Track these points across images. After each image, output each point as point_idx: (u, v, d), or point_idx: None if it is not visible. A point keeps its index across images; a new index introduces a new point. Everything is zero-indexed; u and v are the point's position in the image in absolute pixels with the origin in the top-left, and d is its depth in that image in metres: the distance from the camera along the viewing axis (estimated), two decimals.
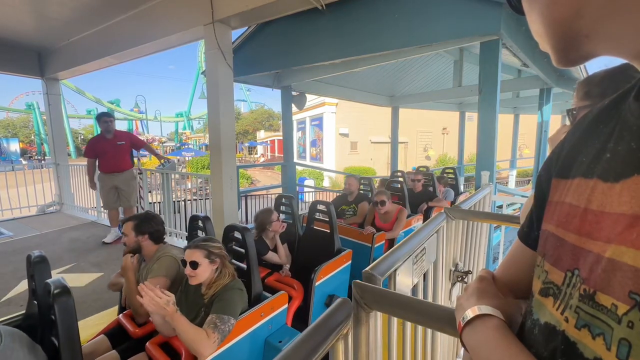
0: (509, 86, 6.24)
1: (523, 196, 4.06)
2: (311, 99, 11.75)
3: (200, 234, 2.26)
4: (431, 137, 19.19)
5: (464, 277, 1.76)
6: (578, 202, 0.36)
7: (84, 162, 4.45)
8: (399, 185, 3.99)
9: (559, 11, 0.31)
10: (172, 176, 4.74)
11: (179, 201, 4.86)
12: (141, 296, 1.41)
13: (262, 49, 4.42)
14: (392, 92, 7.68)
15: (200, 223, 2.27)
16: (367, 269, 0.90)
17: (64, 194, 6.09)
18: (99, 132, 4.31)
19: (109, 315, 2.51)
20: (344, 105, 16.27)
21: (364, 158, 17.68)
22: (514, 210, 6.08)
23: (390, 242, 3.37)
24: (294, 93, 5.85)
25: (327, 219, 2.75)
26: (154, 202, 5.25)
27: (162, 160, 4.67)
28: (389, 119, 8.27)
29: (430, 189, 4.49)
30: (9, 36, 4.90)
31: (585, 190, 0.35)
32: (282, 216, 2.85)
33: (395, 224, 3.38)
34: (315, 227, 2.85)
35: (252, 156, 33.99)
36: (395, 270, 1.00)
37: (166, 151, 30.63)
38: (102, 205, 4.68)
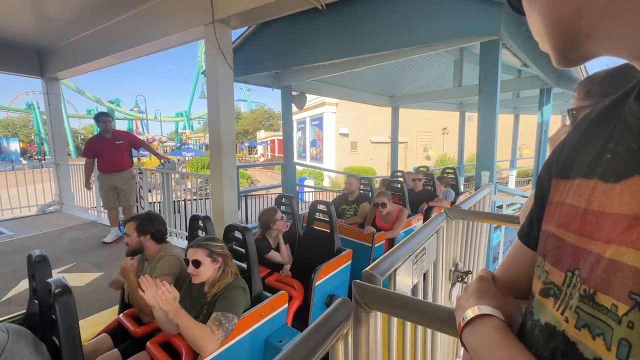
0: (509, 86, 6.24)
1: (523, 196, 4.06)
2: (311, 98, 11.75)
3: (201, 233, 2.26)
4: (431, 137, 19.19)
5: (464, 277, 1.76)
6: (578, 202, 0.36)
7: (83, 161, 4.45)
8: (399, 185, 3.99)
9: (559, 11, 0.31)
10: (172, 176, 4.74)
11: (179, 201, 4.86)
12: (143, 291, 1.42)
13: (262, 48, 4.42)
14: (392, 92, 7.68)
15: (200, 223, 2.27)
16: (367, 269, 0.90)
17: (64, 193, 6.09)
18: (98, 132, 4.32)
19: (109, 315, 2.51)
20: (344, 105, 16.26)
21: (364, 158, 17.68)
22: (514, 210, 6.07)
23: (391, 242, 3.37)
24: (294, 93, 5.85)
25: (327, 219, 2.75)
26: (154, 202, 5.25)
27: (162, 160, 4.67)
28: (389, 119, 8.27)
29: (431, 189, 4.49)
30: (9, 36, 4.90)
31: (585, 190, 0.35)
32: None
33: (395, 224, 3.38)
34: (315, 227, 2.85)
35: (252, 156, 33.99)
36: (395, 270, 1.00)
37: (166, 151, 30.62)
38: (102, 205, 4.68)
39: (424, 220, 3.79)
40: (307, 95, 6.07)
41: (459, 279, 1.77)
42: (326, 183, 16.78)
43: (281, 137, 6.99)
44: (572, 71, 5.47)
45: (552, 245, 0.38)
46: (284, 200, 3.04)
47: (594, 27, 0.30)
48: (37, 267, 1.41)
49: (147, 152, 5.29)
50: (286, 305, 2.00)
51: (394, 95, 7.76)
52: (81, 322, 2.30)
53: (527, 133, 15.74)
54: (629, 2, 0.27)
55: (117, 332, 1.83)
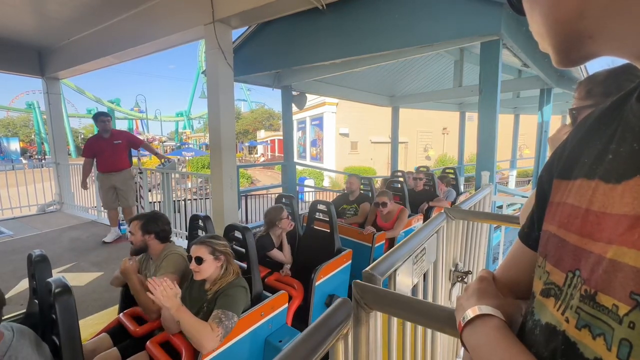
0: (510, 86, 6.23)
1: (523, 196, 4.06)
2: (311, 98, 11.73)
3: (201, 233, 2.26)
4: (431, 137, 19.18)
5: (464, 277, 1.76)
6: (580, 203, 0.36)
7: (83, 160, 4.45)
8: (399, 185, 3.99)
9: (561, 12, 0.31)
10: (172, 175, 4.74)
11: (179, 201, 4.86)
12: (151, 292, 1.44)
13: (262, 48, 4.41)
14: (392, 92, 7.67)
15: (200, 223, 2.27)
16: (367, 269, 0.90)
17: (64, 193, 6.09)
18: (97, 131, 4.32)
19: (109, 315, 2.51)
20: (344, 105, 16.26)
21: (364, 158, 17.67)
22: (514, 210, 6.07)
23: (391, 242, 3.37)
24: (294, 93, 5.85)
25: (328, 219, 2.75)
26: (154, 202, 5.25)
27: (163, 160, 4.67)
28: (389, 119, 8.26)
29: (431, 188, 4.49)
30: (10, 35, 4.90)
31: (587, 191, 0.35)
32: None
33: (396, 223, 3.39)
34: (315, 227, 2.86)
35: (252, 156, 33.99)
36: (395, 271, 1.00)
37: (166, 150, 30.63)
38: (102, 205, 4.68)
39: (424, 220, 3.79)
40: (307, 95, 6.07)
41: (459, 279, 1.77)
42: (326, 183, 16.78)
43: (281, 137, 6.99)
44: (573, 71, 5.47)
45: (553, 245, 0.38)
46: (284, 200, 3.04)
47: (597, 28, 0.30)
48: (37, 267, 1.41)
49: (147, 152, 5.28)
50: (286, 305, 2.00)
51: (394, 95, 7.76)
52: (81, 322, 2.30)
53: (527, 133, 15.73)
54: (631, 2, 0.27)
55: (117, 332, 1.83)
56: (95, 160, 4.28)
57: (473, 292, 0.50)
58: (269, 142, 32.47)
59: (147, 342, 1.63)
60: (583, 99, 0.76)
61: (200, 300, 1.71)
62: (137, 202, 4.88)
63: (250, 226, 2.25)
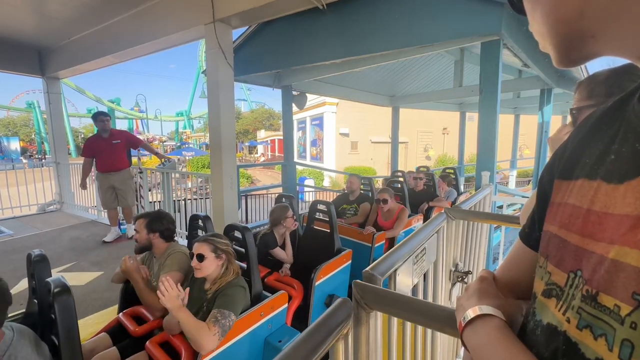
0: (510, 86, 6.23)
1: (523, 197, 4.06)
2: (312, 98, 11.74)
3: (201, 233, 2.26)
4: (431, 137, 19.18)
5: (464, 277, 1.76)
6: (581, 203, 0.36)
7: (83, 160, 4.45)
8: (399, 185, 3.99)
9: (563, 11, 0.31)
10: (173, 175, 4.74)
11: (179, 200, 4.86)
12: (162, 293, 1.46)
13: (262, 48, 4.41)
14: (392, 92, 7.67)
15: (200, 222, 2.28)
16: (367, 269, 0.90)
17: (64, 192, 6.10)
18: (97, 131, 4.32)
19: (109, 314, 2.51)
20: (344, 105, 16.26)
21: (364, 158, 17.68)
22: (514, 210, 6.07)
23: (391, 242, 3.37)
24: (294, 93, 5.85)
25: (328, 219, 2.76)
26: (154, 201, 5.25)
27: (163, 160, 4.67)
28: (389, 119, 8.26)
29: (431, 188, 4.49)
30: (10, 35, 4.90)
31: (588, 191, 0.35)
32: None
33: (396, 223, 3.39)
34: (315, 227, 2.86)
35: (252, 156, 33.99)
36: (395, 271, 1.00)
37: (166, 150, 30.62)
38: (101, 204, 4.68)
39: (424, 221, 3.80)
40: (307, 95, 6.07)
41: (459, 279, 1.76)
42: (326, 183, 16.78)
43: (281, 137, 6.98)
44: (573, 71, 5.47)
45: (554, 246, 0.38)
46: (284, 200, 3.03)
47: (598, 27, 0.30)
48: (37, 267, 1.41)
49: (147, 152, 5.28)
50: (286, 305, 2.00)
51: (395, 95, 7.76)
52: (81, 321, 2.30)
53: (528, 133, 15.73)
54: (633, 2, 0.27)
55: (116, 332, 1.83)
56: (94, 160, 4.28)
57: (473, 292, 0.50)
58: (269, 142, 32.47)
59: (147, 342, 1.62)
60: (584, 99, 0.76)
61: (200, 300, 1.72)
62: (137, 201, 4.88)
63: (250, 226, 2.25)
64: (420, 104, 8.35)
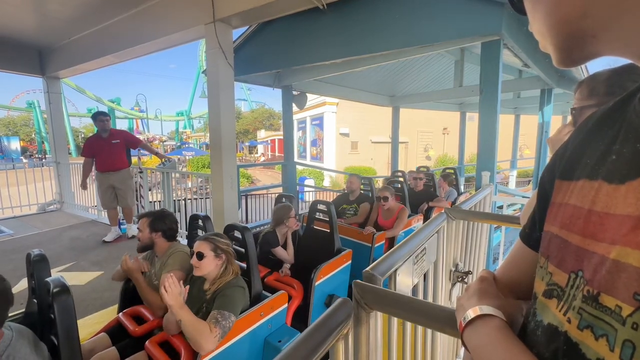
0: (510, 86, 6.23)
1: (523, 197, 4.05)
2: (312, 98, 11.74)
3: (201, 233, 2.26)
4: (432, 137, 19.18)
5: (464, 277, 1.76)
6: (582, 203, 0.36)
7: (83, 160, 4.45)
8: (400, 185, 3.99)
9: (565, 10, 0.31)
10: (173, 175, 4.74)
11: (179, 200, 4.86)
12: (165, 289, 1.46)
13: (263, 48, 4.41)
14: (392, 92, 7.67)
15: (200, 222, 2.28)
16: (367, 269, 0.90)
17: (65, 192, 6.10)
18: (97, 131, 4.32)
19: (109, 314, 2.51)
20: (344, 105, 16.26)
21: (365, 158, 17.68)
22: (514, 210, 6.07)
23: (390, 242, 3.37)
24: (294, 92, 5.85)
25: (327, 219, 2.76)
26: (154, 201, 5.25)
27: (163, 159, 4.67)
28: (389, 119, 8.26)
29: (431, 188, 4.49)
30: (10, 35, 4.91)
31: (589, 191, 0.35)
32: None
33: (396, 223, 3.40)
34: (315, 227, 2.86)
35: (252, 155, 33.99)
36: (395, 271, 1.00)
37: (167, 150, 30.61)
38: (101, 204, 4.68)
39: (424, 221, 3.80)
40: (307, 94, 6.07)
41: (459, 279, 1.76)
42: (326, 183, 16.78)
43: (281, 137, 6.99)
44: (573, 71, 5.47)
45: (555, 246, 0.38)
46: (284, 199, 3.04)
47: (600, 27, 0.30)
48: (36, 266, 1.41)
49: (147, 152, 5.28)
50: (286, 305, 2.00)
51: (395, 95, 7.76)
52: (81, 321, 2.30)
53: (528, 133, 15.72)
54: (636, 2, 0.27)
55: (116, 331, 1.83)
56: (94, 159, 4.28)
57: (474, 292, 0.50)
58: (269, 141, 32.47)
59: (146, 342, 1.62)
60: (585, 99, 0.76)
61: (200, 300, 1.72)
62: (137, 201, 4.88)
63: (250, 226, 2.25)
64: (420, 104, 8.35)
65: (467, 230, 1.94)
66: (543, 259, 0.40)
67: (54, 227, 4.91)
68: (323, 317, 0.69)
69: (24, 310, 1.50)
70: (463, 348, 0.48)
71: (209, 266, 1.69)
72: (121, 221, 4.58)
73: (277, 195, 3.40)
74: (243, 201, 6.95)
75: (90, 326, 2.31)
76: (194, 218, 2.32)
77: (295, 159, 6.64)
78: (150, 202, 5.09)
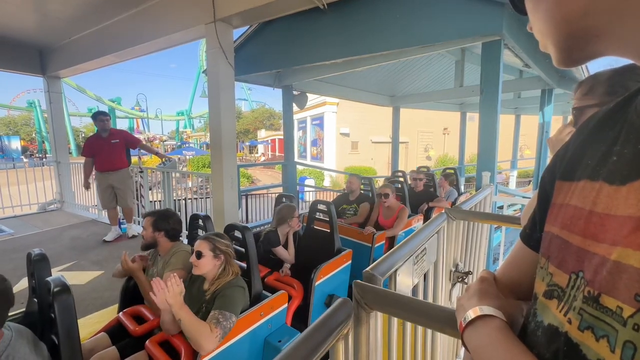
0: (511, 87, 6.22)
1: (524, 197, 4.05)
2: (312, 98, 11.73)
3: (201, 232, 2.26)
4: (432, 137, 19.17)
5: (464, 277, 1.76)
6: (583, 204, 0.36)
7: (84, 160, 4.45)
8: (400, 186, 3.99)
9: (567, 10, 0.31)
10: (173, 175, 4.74)
11: (179, 200, 4.86)
12: (167, 289, 1.45)
13: (263, 48, 4.41)
14: (393, 92, 7.67)
15: (200, 222, 2.28)
16: (367, 269, 0.90)
17: (65, 191, 6.10)
18: (97, 130, 4.32)
19: (109, 313, 2.51)
20: (345, 105, 16.26)
21: (365, 158, 17.68)
22: (515, 211, 6.06)
23: (391, 242, 3.37)
24: (295, 92, 5.85)
25: (328, 219, 2.76)
26: (155, 201, 5.25)
27: (163, 159, 4.67)
28: (389, 119, 8.26)
29: (431, 189, 4.48)
30: (11, 34, 4.91)
31: (590, 192, 0.35)
32: None
33: (396, 222, 3.40)
34: (315, 227, 2.86)
35: (252, 155, 34.00)
36: (395, 271, 1.00)
37: (167, 150, 30.60)
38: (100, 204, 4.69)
39: (424, 221, 3.79)
40: (308, 94, 6.07)
41: (460, 280, 1.76)
42: (327, 183, 16.78)
43: (282, 137, 6.99)
44: (574, 72, 5.46)
45: (556, 247, 0.38)
46: (284, 199, 3.04)
47: (603, 27, 0.30)
48: (37, 266, 1.41)
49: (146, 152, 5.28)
50: (286, 305, 2.00)
51: (395, 95, 7.75)
52: (81, 321, 2.30)
53: (528, 134, 15.71)
54: (637, 3, 0.27)
55: (116, 331, 1.83)
56: (94, 159, 4.28)
57: (474, 292, 0.50)
58: (269, 141, 32.47)
59: (147, 342, 1.62)
60: (587, 98, 0.76)
61: (199, 300, 1.71)
62: (137, 200, 4.88)
63: (250, 226, 2.25)
64: (421, 104, 8.34)
65: (468, 231, 1.94)
66: (543, 260, 0.40)
67: (55, 227, 4.91)
68: (323, 317, 0.69)
69: (24, 309, 1.50)
70: (463, 348, 0.48)
71: (207, 266, 1.70)
72: (121, 221, 4.58)
73: (277, 195, 3.41)
74: (243, 201, 6.95)
75: (91, 326, 2.31)
76: (194, 218, 2.32)
77: (296, 159, 6.64)
78: (151, 201, 5.09)
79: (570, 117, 0.84)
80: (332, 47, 3.73)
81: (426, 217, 3.99)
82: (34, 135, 35.43)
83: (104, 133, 4.20)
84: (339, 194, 5.32)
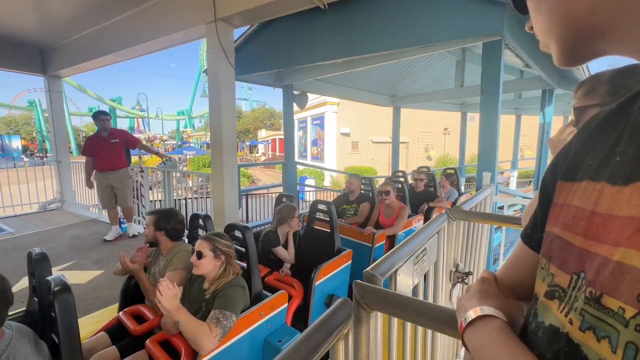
0: (511, 87, 6.22)
1: (524, 197, 4.05)
2: (313, 98, 11.74)
3: (201, 232, 2.26)
4: (432, 137, 19.16)
5: (465, 278, 1.76)
6: (585, 205, 0.35)
7: (84, 159, 4.46)
8: (400, 186, 3.99)
9: (572, 7, 0.31)
10: (173, 174, 4.74)
11: (179, 199, 4.87)
12: (161, 294, 1.45)
13: (264, 47, 4.41)
14: (393, 92, 7.67)
15: (200, 222, 2.28)
16: (368, 269, 0.90)
17: (65, 191, 6.10)
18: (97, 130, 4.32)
19: (110, 313, 2.51)
20: (345, 104, 16.26)
21: (365, 158, 17.67)
22: (515, 211, 6.06)
23: (391, 242, 3.37)
24: (295, 92, 5.85)
25: (328, 219, 2.76)
26: (155, 200, 5.25)
27: (164, 159, 4.67)
28: (390, 119, 8.25)
29: (432, 189, 4.48)
30: (12, 34, 4.91)
31: (592, 193, 0.35)
32: None
33: (396, 221, 3.41)
34: (315, 227, 2.86)
35: (253, 155, 33.99)
36: (396, 271, 1.00)
37: (167, 149, 30.62)
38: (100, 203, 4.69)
39: (425, 221, 3.79)
40: (308, 94, 6.07)
41: (460, 280, 1.76)
42: (327, 182, 16.78)
43: (282, 136, 6.98)
44: (575, 72, 5.46)
45: (557, 247, 0.38)
46: (284, 199, 3.04)
47: (609, 25, 0.29)
48: (37, 265, 1.41)
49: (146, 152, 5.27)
50: (286, 304, 2.00)
51: (396, 95, 7.75)
52: (81, 320, 2.30)
53: (529, 134, 15.70)
54: None
55: (116, 330, 1.83)
56: (93, 158, 4.28)
57: (475, 292, 0.50)
58: (270, 141, 32.46)
59: (147, 341, 1.62)
60: (588, 98, 0.75)
61: (199, 300, 1.71)
62: (137, 200, 4.88)
63: (250, 225, 2.25)
64: (421, 104, 8.34)
65: (468, 231, 1.94)
66: (544, 260, 0.40)
67: (55, 226, 4.91)
68: (323, 317, 0.69)
69: (24, 308, 1.51)
70: (463, 348, 0.48)
71: (207, 266, 1.70)
72: (122, 220, 4.58)
73: (277, 195, 3.41)
74: (244, 201, 6.95)
75: (91, 325, 2.32)
76: (195, 217, 2.33)
77: (296, 159, 6.64)
78: (151, 201, 5.09)
79: (571, 117, 0.84)
80: (333, 47, 3.73)
81: (426, 217, 3.99)
82: (34, 134, 35.47)
83: (104, 133, 4.20)
84: (339, 194, 5.32)
